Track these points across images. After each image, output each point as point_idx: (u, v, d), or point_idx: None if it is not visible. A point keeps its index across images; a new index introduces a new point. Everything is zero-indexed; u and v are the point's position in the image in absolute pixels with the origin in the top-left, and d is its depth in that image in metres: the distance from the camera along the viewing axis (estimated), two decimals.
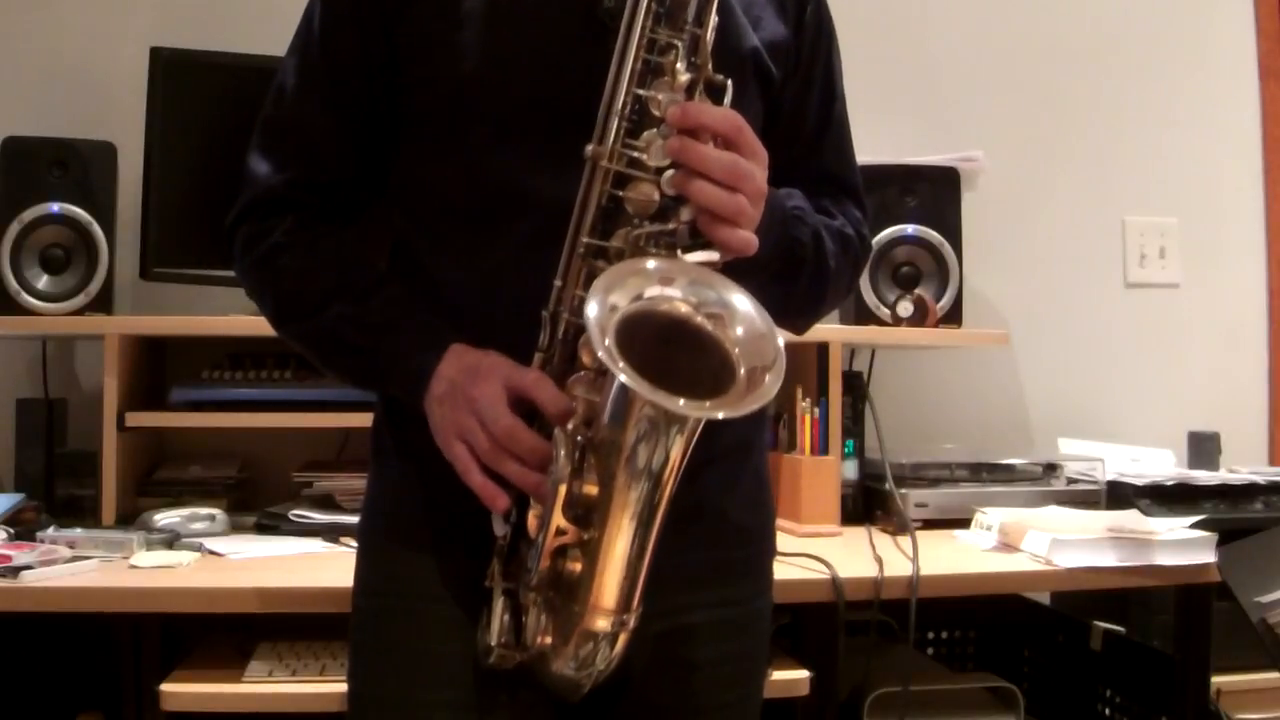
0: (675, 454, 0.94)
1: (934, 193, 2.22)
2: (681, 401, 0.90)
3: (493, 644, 1.02)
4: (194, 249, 2.02)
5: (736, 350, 0.95)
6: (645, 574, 0.97)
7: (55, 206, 1.95)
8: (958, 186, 2.24)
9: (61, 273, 1.95)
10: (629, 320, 0.93)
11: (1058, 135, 2.50)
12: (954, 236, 2.21)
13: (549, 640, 0.99)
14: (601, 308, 0.91)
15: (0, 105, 2.14)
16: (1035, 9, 2.51)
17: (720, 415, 0.91)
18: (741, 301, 0.96)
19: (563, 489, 0.94)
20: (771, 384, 0.92)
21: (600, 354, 0.89)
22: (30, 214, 1.93)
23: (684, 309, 0.96)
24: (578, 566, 0.96)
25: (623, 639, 0.99)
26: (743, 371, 0.93)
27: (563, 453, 0.94)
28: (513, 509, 1.01)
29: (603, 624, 0.97)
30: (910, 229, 2.20)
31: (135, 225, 2.02)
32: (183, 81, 2.01)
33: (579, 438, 0.95)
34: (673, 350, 0.95)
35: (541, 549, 0.96)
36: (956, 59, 2.47)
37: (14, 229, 1.93)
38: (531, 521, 0.98)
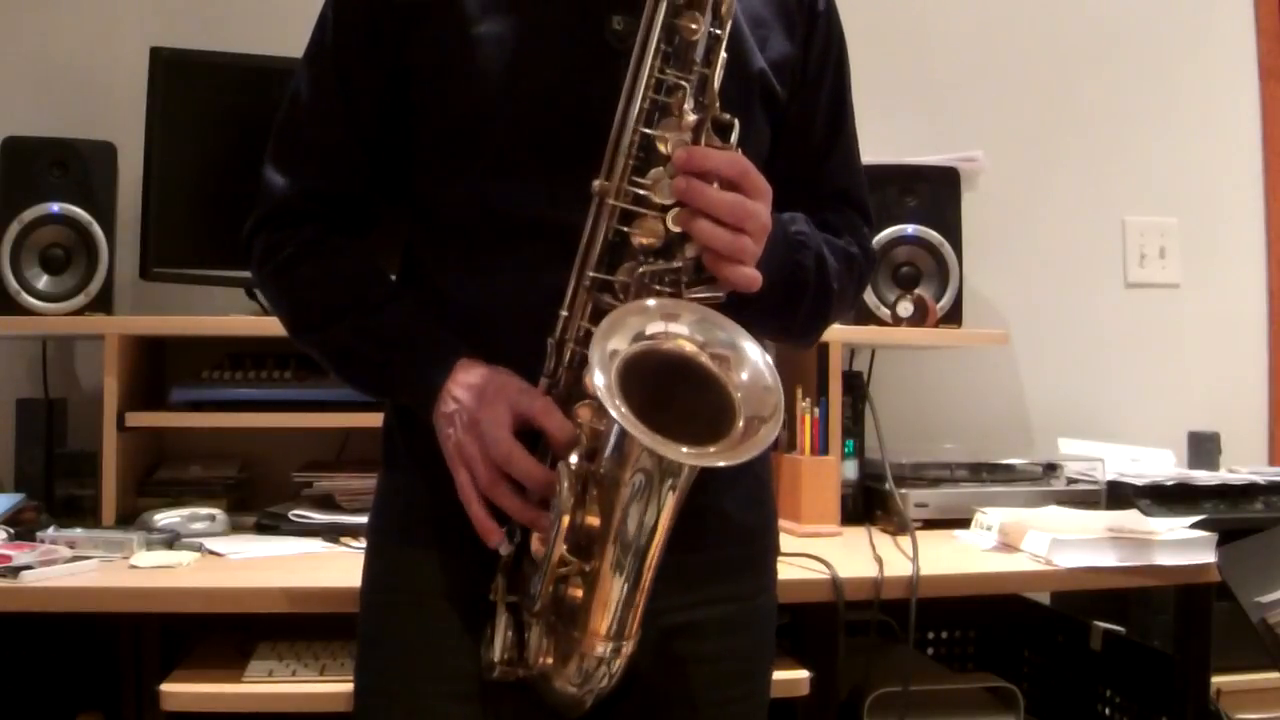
0: (674, 494, 0.95)
1: (934, 193, 2.22)
2: (683, 449, 0.90)
3: (496, 659, 1.03)
4: (194, 249, 2.02)
5: (739, 395, 0.95)
6: (643, 603, 0.99)
7: (55, 206, 1.94)
8: (958, 186, 2.24)
9: (61, 273, 1.95)
10: (632, 359, 0.93)
11: (1058, 135, 2.50)
12: (954, 236, 2.21)
13: (550, 661, 1.01)
14: (603, 353, 0.92)
15: (0, 105, 2.14)
16: (1035, 9, 2.52)
17: (719, 464, 0.92)
18: (751, 349, 0.97)
19: (565, 520, 0.95)
20: (767, 434, 0.93)
21: (600, 396, 0.89)
22: (30, 214, 1.93)
23: (690, 347, 0.96)
24: (579, 593, 0.98)
25: (623, 660, 1.00)
26: (741, 421, 0.94)
27: (566, 485, 0.95)
28: (516, 529, 1.02)
29: (600, 650, 0.99)
30: (910, 229, 2.20)
31: (135, 225, 2.02)
32: (183, 81, 2.01)
33: (582, 470, 0.96)
34: (676, 387, 0.95)
35: (545, 576, 0.97)
36: (956, 59, 2.47)
37: (14, 229, 1.93)
38: (535, 545, 0.99)
